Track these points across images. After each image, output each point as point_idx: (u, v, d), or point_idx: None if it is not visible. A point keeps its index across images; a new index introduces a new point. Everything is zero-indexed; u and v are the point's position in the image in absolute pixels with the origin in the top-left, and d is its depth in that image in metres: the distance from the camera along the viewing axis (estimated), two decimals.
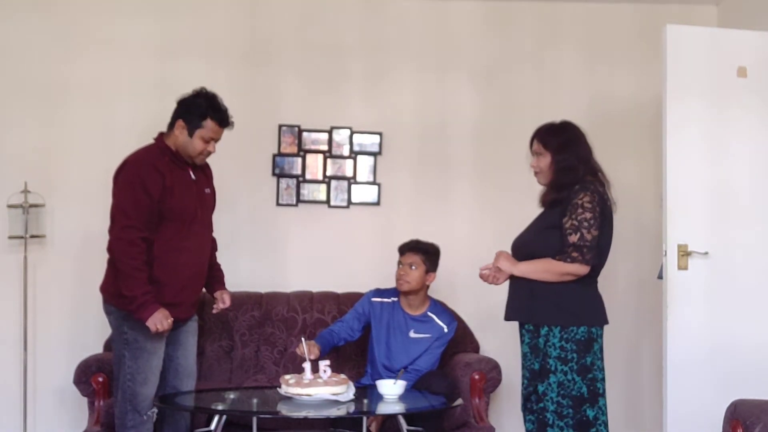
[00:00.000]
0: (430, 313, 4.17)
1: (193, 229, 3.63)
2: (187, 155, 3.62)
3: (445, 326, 4.14)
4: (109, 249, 3.58)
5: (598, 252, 3.25)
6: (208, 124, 3.59)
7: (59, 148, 4.71)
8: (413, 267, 4.11)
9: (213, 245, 3.90)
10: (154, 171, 3.51)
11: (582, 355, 3.21)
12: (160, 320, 3.47)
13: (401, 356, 4.10)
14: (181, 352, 3.72)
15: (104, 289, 3.67)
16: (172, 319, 3.52)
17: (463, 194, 4.90)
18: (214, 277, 3.90)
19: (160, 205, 3.51)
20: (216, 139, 3.64)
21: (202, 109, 3.58)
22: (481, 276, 3.42)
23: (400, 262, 4.17)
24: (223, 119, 3.62)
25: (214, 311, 3.91)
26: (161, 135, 3.67)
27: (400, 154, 4.88)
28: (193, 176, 3.66)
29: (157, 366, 3.60)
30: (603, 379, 3.28)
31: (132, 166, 3.56)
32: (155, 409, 3.60)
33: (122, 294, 3.49)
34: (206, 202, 3.75)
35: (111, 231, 3.54)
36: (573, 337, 3.22)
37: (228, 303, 3.88)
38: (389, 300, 4.20)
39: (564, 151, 3.30)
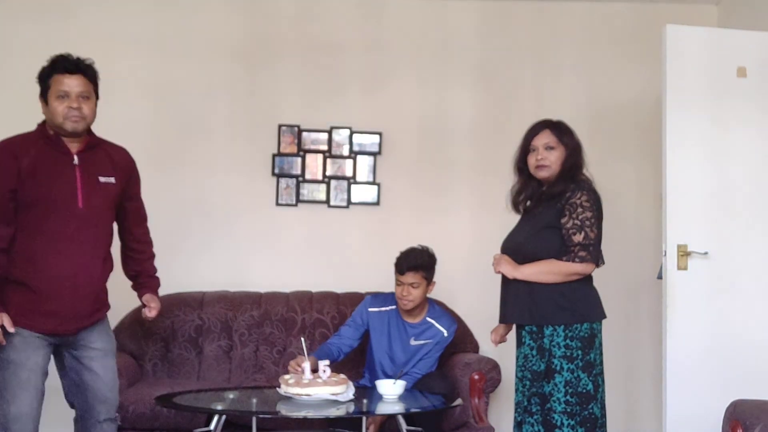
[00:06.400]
0: (429, 319, 4.10)
1: (70, 224, 3.09)
2: (57, 127, 3.11)
3: (445, 330, 4.09)
4: None
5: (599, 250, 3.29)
6: (55, 78, 3.12)
7: None
8: (415, 286, 3.99)
9: (142, 248, 3.42)
10: (7, 155, 3.06)
11: (586, 352, 3.23)
12: None
13: (403, 364, 4.05)
14: (88, 375, 3.22)
15: None
16: (14, 329, 3.03)
17: (463, 194, 4.89)
18: (141, 283, 3.42)
19: (18, 193, 3.05)
20: (71, 93, 3.11)
21: (45, 71, 3.16)
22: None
23: (399, 282, 4.02)
24: (67, 65, 3.13)
25: (144, 316, 3.42)
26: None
27: (400, 154, 4.88)
28: (76, 161, 3.13)
29: (27, 380, 3.06)
30: (602, 373, 3.31)
31: None
32: None
33: None
34: (98, 192, 3.15)
35: None
36: (577, 334, 3.23)
37: (153, 313, 3.38)
38: (387, 308, 4.12)
39: (577, 150, 3.35)
